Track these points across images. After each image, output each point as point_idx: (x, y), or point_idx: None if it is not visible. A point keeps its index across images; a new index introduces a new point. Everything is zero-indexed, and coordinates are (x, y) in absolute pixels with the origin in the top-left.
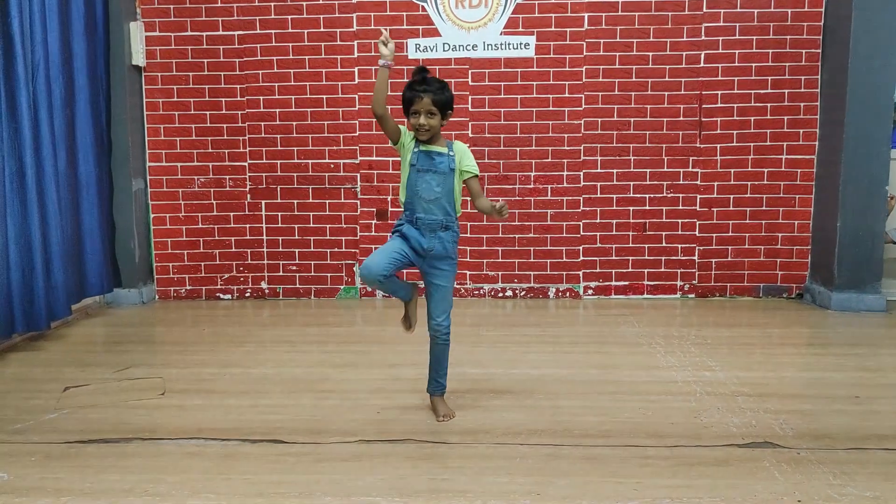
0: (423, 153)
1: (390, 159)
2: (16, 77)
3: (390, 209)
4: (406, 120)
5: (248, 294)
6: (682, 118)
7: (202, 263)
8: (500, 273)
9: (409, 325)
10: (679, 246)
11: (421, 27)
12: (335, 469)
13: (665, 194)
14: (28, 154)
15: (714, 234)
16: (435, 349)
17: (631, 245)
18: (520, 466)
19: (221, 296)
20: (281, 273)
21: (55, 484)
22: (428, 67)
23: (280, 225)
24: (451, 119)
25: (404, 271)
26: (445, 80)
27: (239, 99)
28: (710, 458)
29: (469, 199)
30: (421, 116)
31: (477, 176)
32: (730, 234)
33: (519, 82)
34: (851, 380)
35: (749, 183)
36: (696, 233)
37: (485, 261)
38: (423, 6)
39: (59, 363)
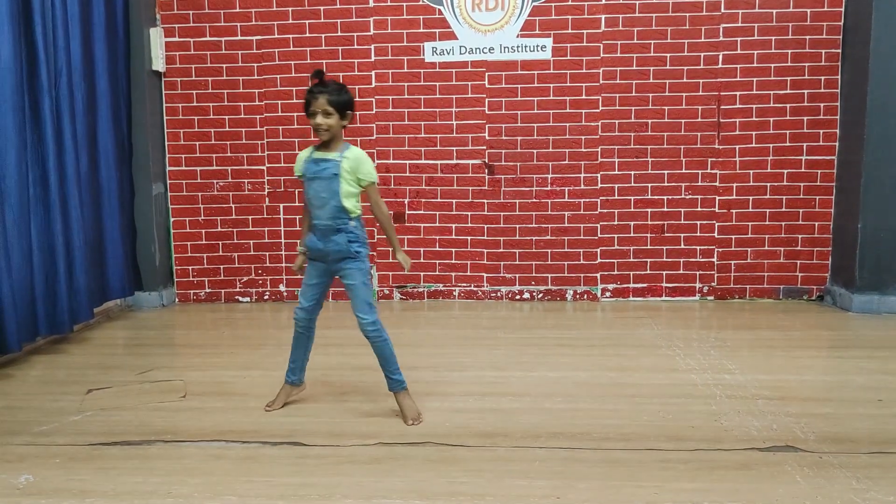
0: (311, 161)
1: (407, 162)
2: (39, 84)
3: (407, 212)
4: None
5: (266, 297)
6: (700, 119)
7: (221, 266)
8: (517, 276)
9: (273, 404)
10: (698, 248)
11: (437, 30)
12: (355, 471)
13: (683, 196)
14: (51, 160)
15: (733, 236)
16: (373, 348)
17: (649, 247)
18: (539, 470)
19: (240, 298)
20: (299, 276)
21: (79, 486)
22: (323, 71)
23: (298, 228)
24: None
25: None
26: (345, 84)
27: (257, 103)
28: (730, 462)
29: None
30: (318, 116)
31: (374, 184)
32: (749, 235)
33: (536, 84)
34: (874, 382)
35: (768, 184)
36: (715, 234)
37: (502, 263)
38: (439, 9)
39: (82, 366)
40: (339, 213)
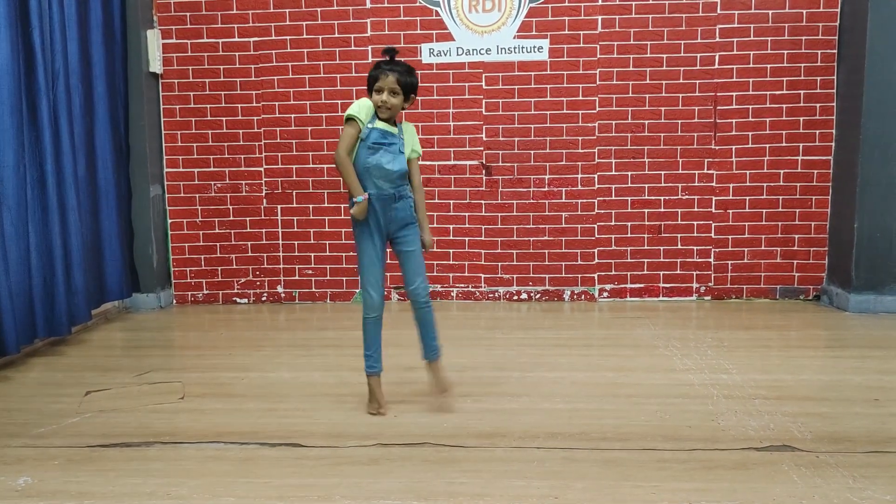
0: (377, 130)
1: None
2: (37, 86)
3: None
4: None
5: (264, 298)
6: (696, 120)
7: (219, 268)
8: (514, 276)
9: (378, 408)
10: (695, 248)
11: (435, 31)
12: (353, 472)
13: (680, 196)
14: (49, 162)
15: (730, 236)
16: (418, 314)
17: (646, 247)
18: (537, 470)
19: (238, 300)
20: (297, 277)
21: (78, 487)
22: (396, 49)
23: (296, 229)
24: (463, 123)
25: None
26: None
27: (255, 105)
28: (727, 462)
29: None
30: (384, 93)
31: (419, 157)
32: (746, 235)
33: (533, 85)
34: (870, 382)
35: (765, 184)
36: (712, 234)
37: (499, 264)
38: (436, 11)
39: (81, 367)
40: (402, 181)
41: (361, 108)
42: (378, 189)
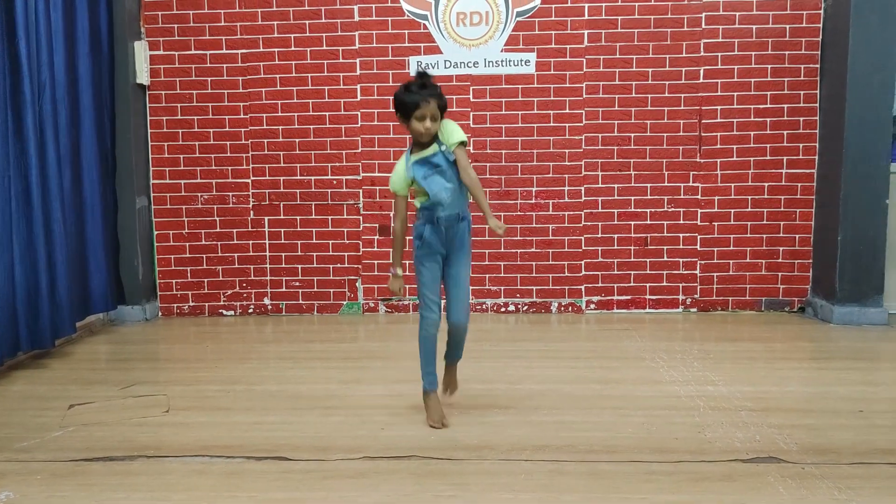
0: (417, 164)
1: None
2: (22, 98)
3: (392, 224)
4: (406, 125)
5: (251, 310)
6: (682, 133)
7: (205, 280)
8: (502, 288)
9: (440, 419)
10: (680, 260)
11: (422, 44)
12: (340, 486)
13: (666, 209)
14: (34, 173)
15: (715, 249)
16: (457, 334)
17: (632, 259)
18: (524, 483)
19: (224, 312)
20: (284, 289)
21: (61, 502)
22: (427, 72)
23: (283, 241)
24: None
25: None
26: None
27: (242, 116)
28: (714, 474)
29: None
30: (427, 120)
31: (464, 144)
32: (731, 248)
33: (520, 98)
34: (855, 394)
35: (749, 197)
36: (698, 247)
37: (487, 276)
38: (424, 24)
39: (64, 381)
40: (463, 200)
41: (397, 177)
42: (447, 210)
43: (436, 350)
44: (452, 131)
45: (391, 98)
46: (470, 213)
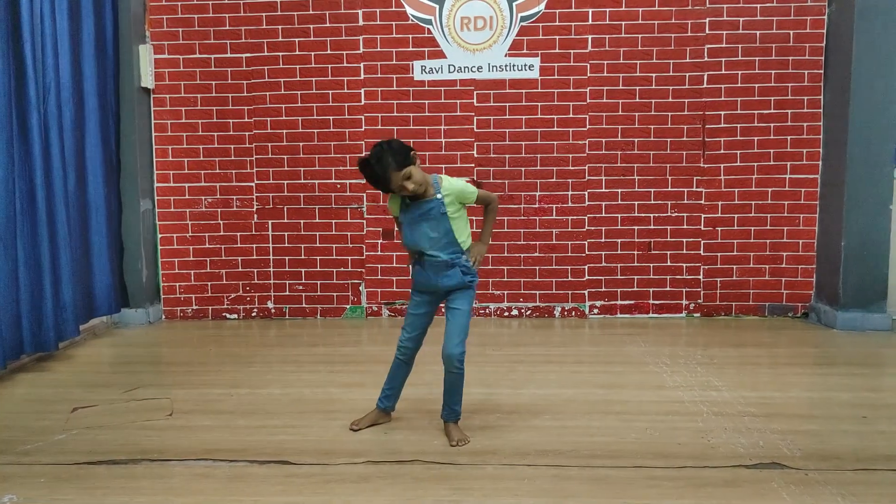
0: (409, 206)
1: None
2: (27, 100)
3: (396, 229)
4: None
5: (254, 314)
6: (685, 138)
7: (209, 283)
8: (505, 292)
9: (359, 423)
10: (684, 265)
11: (426, 49)
12: (343, 490)
13: (669, 213)
14: (38, 176)
15: (719, 254)
16: (448, 377)
17: (636, 264)
18: (527, 488)
19: (228, 315)
20: (287, 293)
21: None
22: (366, 160)
23: (286, 245)
24: (455, 140)
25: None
26: (381, 141)
27: (246, 120)
28: (717, 480)
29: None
30: (404, 186)
31: (477, 194)
32: (735, 253)
33: (524, 103)
34: (859, 400)
35: (753, 202)
36: (701, 252)
37: (490, 280)
38: (428, 28)
39: (68, 384)
40: (454, 247)
41: (393, 203)
42: (431, 256)
43: (398, 375)
44: (469, 191)
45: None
46: (467, 259)
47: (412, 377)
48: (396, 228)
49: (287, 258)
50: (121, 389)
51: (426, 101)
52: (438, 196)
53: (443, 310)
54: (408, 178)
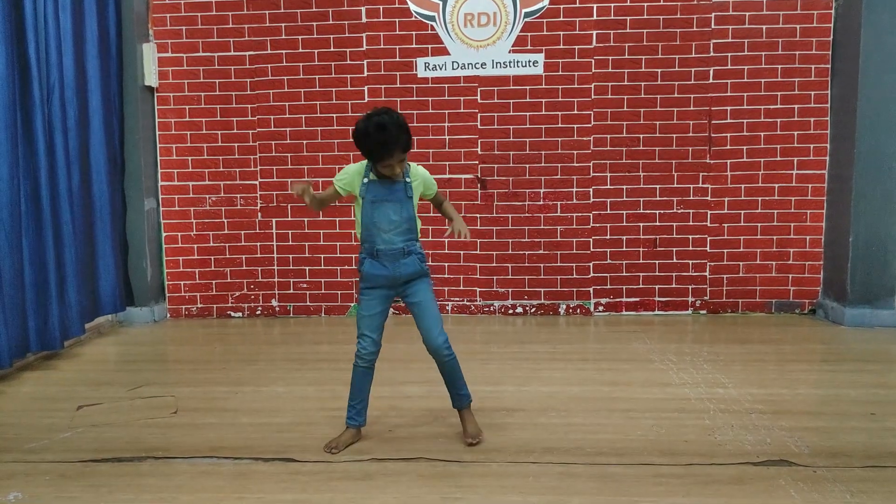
0: (375, 183)
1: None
2: (31, 99)
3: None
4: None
5: (258, 312)
6: (691, 134)
7: (213, 282)
8: (510, 290)
9: (336, 447)
10: (690, 262)
11: (430, 46)
12: (347, 488)
13: (675, 210)
14: (43, 175)
15: (725, 250)
16: (443, 367)
17: (641, 261)
18: (533, 485)
19: (232, 314)
20: (291, 291)
21: (69, 503)
22: (389, 111)
23: (290, 243)
24: (459, 137)
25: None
26: (390, 111)
27: (250, 118)
28: (724, 477)
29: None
30: (395, 166)
31: (436, 188)
32: (741, 249)
33: (528, 100)
34: (867, 396)
35: (760, 198)
36: (708, 248)
37: (495, 277)
38: (432, 25)
39: (73, 382)
40: (411, 234)
41: (347, 176)
42: (387, 244)
43: (366, 386)
44: (433, 186)
45: (397, 100)
46: (421, 247)
47: (412, 376)
48: (326, 201)
49: (291, 256)
50: (126, 387)
51: (430, 99)
52: (407, 180)
53: (400, 305)
54: (401, 162)
